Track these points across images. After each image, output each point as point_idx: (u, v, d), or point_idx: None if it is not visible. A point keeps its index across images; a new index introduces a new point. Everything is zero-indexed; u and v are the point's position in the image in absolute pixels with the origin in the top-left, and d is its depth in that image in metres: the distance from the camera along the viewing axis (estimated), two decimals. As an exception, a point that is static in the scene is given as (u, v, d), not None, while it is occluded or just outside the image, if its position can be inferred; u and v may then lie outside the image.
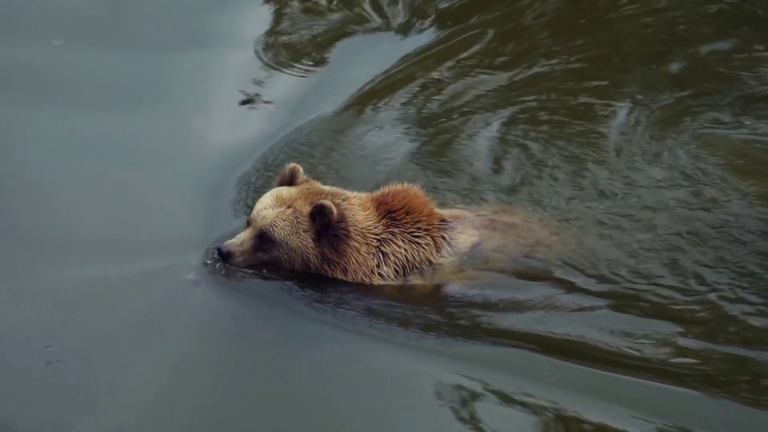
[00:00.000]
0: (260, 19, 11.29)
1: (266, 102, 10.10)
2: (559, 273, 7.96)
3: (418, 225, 7.86)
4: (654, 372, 7.10)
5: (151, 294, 7.68)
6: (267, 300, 7.70)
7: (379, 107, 10.18)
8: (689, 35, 11.09)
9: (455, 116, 10.02)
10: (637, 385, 7.00)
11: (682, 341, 7.38)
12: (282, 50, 10.98)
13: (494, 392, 6.98)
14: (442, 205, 8.52)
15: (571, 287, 7.86)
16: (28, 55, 9.17)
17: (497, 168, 9.18)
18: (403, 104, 10.28)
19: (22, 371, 6.95)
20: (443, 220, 8.00)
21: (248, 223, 7.73)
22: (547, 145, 9.40)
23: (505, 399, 6.94)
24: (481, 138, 9.61)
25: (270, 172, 8.83)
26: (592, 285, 7.89)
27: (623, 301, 7.76)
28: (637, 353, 7.25)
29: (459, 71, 10.75)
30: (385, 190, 8.00)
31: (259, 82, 10.38)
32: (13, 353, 7.10)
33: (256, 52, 10.85)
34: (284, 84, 10.44)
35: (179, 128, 9.50)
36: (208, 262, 7.83)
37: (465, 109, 10.13)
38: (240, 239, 7.64)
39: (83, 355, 7.15)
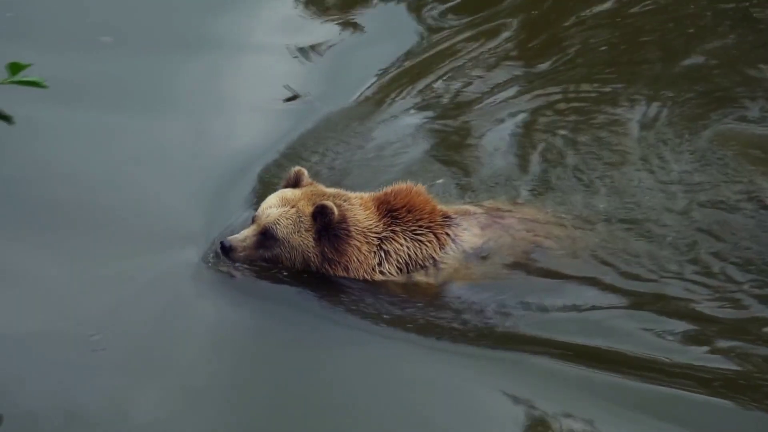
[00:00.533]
0: (272, 18, 11.35)
1: (308, 99, 10.22)
2: (571, 270, 7.92)
3: (420, 223, 7.93)
4: (677, 376, 7.05)
5: (171, 287, 7.89)
6: (284, 301, 7.85)
7: (397, 99, 10.21)
8: (711, 31, 10.89)
9: (476, 108, 10.03)
10: (663, 393, 6.95)
11: (710, 344, 7.31)
12: (299, 44, 11.04)
13: (510, 396, 7.00)
14: (456, 199, 8.57)
15: (586, 285, 7.83)
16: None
17: (518, 163, 9.18)
18: (425, 95, 10.30)
19: (71, 359, 7.22)
20: (447, 217, 8.04)
21: (253, 221, 7.92)
22: (569, 141, 9.34)
23: (520, 404, 6.95)
24: (500, 132, 9.62)
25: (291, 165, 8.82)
26: (608, 284, 7.83)
27: (643, 300, 7.69)
28: (661, 357, 7.20)
29: (480, 62, 10.72)
30: (387, 189, 8.08)
31: (276, 81, 10.46)
32: (60, 341, 7.37)
33: (270, 51, 10.91)
34: (302, 79, 10.52)
35: (195, 127, 9.66)
36: (210, 260, 8.02)
37: (486, 101, 10.12)
38: (243, 235, 7.83)
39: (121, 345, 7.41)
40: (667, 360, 7.18)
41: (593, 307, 7.67)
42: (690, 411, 6.84)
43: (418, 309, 7.71)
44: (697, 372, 7.07)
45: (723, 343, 7.32)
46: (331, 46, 11.05)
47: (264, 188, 8.68)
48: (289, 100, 10.24)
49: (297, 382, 7.18)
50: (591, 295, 7.77)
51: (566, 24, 11.17)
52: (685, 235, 8.16)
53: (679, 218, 8.33)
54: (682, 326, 7.46)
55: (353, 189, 8.31)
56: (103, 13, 10.89)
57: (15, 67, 5.42)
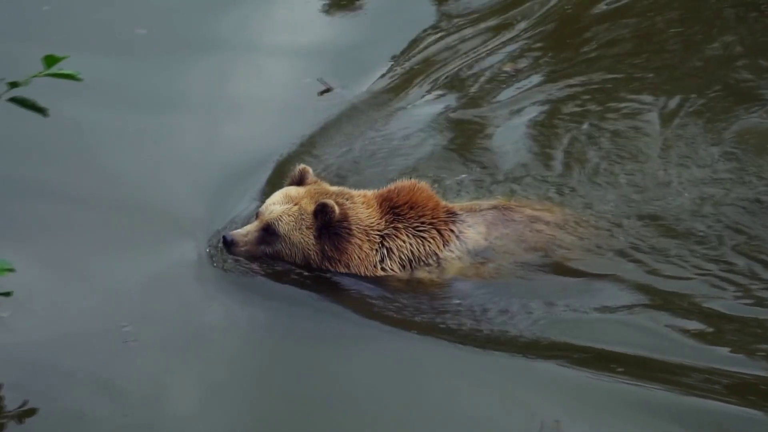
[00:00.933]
0: (286, 15, 11.40)
1: (341, 92, 10.29)
2: (584, 269, 7.85)
3: (423, 219, 7.93)
4: (700, 381, 6.94)
5: (189, 280, 8.01)
6: (303, 296, 7.90)
7: (419, 91, 10.22)
8: (735, 24, 10.70)
9: (497, 100, 10.01)
10: (682, 400, 6.83)
11: (732, 346, 7.21)
12: (312, 40, 11.09)
13: (516, 396, 6.96)
14: (476, 195, 8.56)
15: (599, 284, 7.73)
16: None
17: (539, 157, 9.14)
18: (446, 86, 10.30)
19: (104, 350, 7.34)
20: (452, 213, 8.02)
21: (256, 216, 8.00)
22: (592, 135, 9.27)
23: (523, 404, 6.91)
24: (522, 125, 9.58)
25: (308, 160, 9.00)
26: (623, 283, 7.73)
27: (659, 300, 7.58)
28: (677, 360, 7.10)
29: (502, 53, 10.71)
30: (390, 186, 8.09)
31: (292, 77, 10.54)
32: (91, 332, 7.51)
33: (283, 48, 10.95)
34: (321, 73, 10.55)
35: (210, 125, 9.76)
36: (212, 250, 8.11)
37: (508, 92, 10.10)
38: (246, 230, 7.93)
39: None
40: (688, 364, 7.06)
41: (606, 308, 7.57)
42: (713, 419, 6.72)
43: (423, 306, 7.70)
44: (723, 378, 6.95)
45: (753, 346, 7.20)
46: (344, 40, 11.08)
47: (279, 183, 8.74)
48: (323, 93, 10.31)
49: (306, 378, 7.25)
50: (604, 295, 7.67)
51: (592, 13, 11.09)
52: (713, 231, 8.05)
53: (704, 215, 8.23)
54: (702, 327, 7.35)
55: (369, 184, 8.37)
56: (122, 12, 11.07)
57: (50, 60, 5.53)
